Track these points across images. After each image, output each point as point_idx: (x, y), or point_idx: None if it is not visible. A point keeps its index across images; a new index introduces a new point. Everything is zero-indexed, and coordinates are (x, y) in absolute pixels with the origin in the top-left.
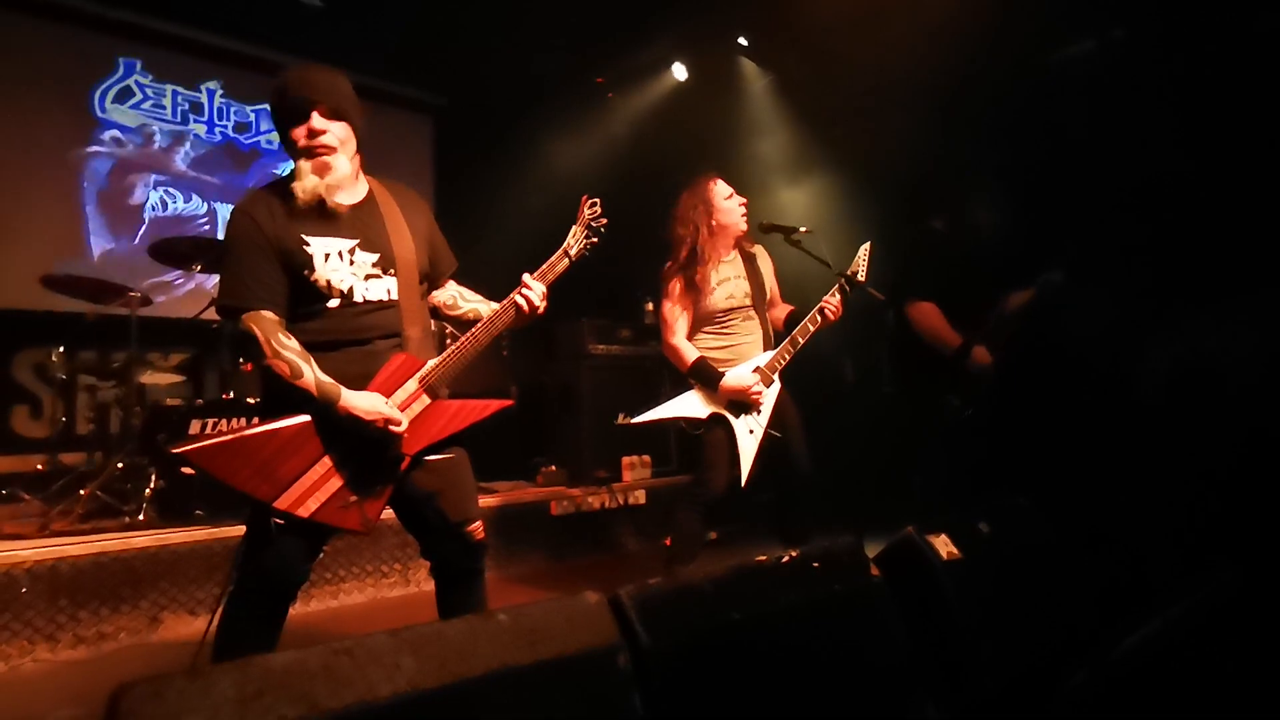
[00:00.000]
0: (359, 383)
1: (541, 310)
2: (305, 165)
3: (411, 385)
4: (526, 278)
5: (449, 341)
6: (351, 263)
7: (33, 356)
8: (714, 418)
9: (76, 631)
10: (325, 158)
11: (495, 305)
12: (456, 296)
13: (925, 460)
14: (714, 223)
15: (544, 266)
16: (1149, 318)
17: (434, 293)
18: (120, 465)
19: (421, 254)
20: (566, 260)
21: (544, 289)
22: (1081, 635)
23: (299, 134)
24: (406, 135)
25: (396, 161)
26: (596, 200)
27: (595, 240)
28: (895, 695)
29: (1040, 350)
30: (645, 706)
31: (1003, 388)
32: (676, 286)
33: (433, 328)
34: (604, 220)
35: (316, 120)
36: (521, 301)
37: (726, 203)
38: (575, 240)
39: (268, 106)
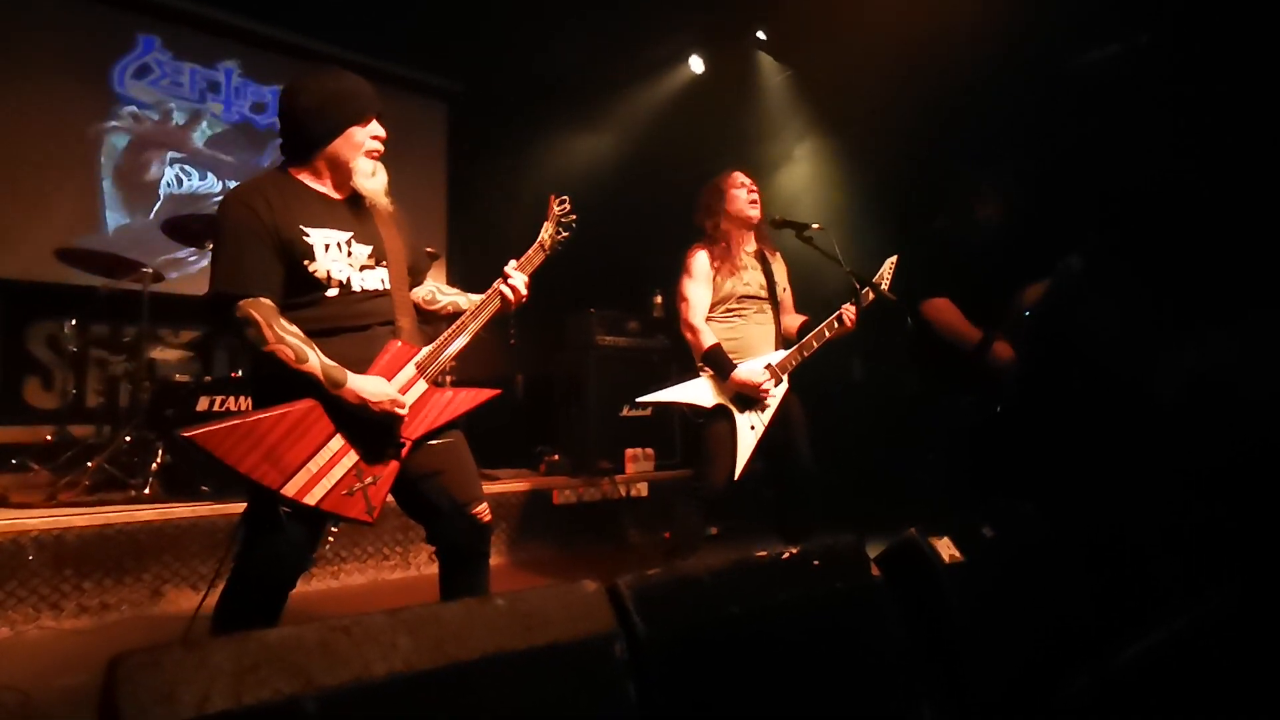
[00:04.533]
0: (359, 367)
1: (525, 297)
2: (367, 164)
3: (410, 370)
4: (509, 267)
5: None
6: (349, 254)
7: (46, 329)
8: (718, 409)
9: (80, 601)
10: (378, 160)
11: (474, 296)
12: (434, 291)
13: (938, 461)
14: (726, 209)
15: (522, 259)
16: (1164, 326)
17: (412, 290)
18: (128, 439)
19: (408, 249)
20: (542, 253)
21: (526, 278)
22: (1082, 640)
23: (361, 135)
24: (420, 121)
25: (410, 147)
26: (565, 197)
27: (566, 235)
28: (892, 695)
29: (1056, 354)
30: (640, 696)
31: (1020, 390)
32: (700, 264)
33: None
34: (573, 216)
35: (377, 126)
36: (506, 291)
37: (736, 190)
38: (548, 235)
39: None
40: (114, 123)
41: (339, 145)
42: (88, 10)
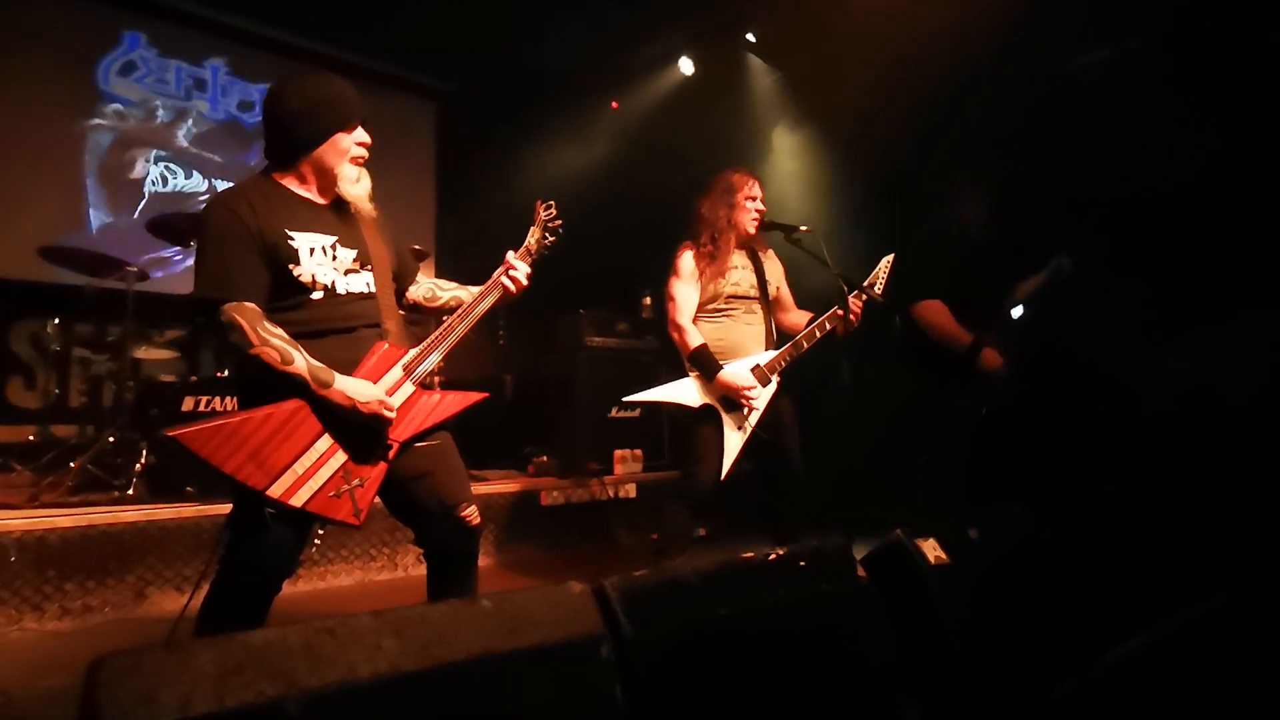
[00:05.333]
0: (345, 370)
1: (526, 285)
2: (351, 170)
3: (397, 373)
4: (511, 256)
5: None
6: (334, 258)
7: (29, 327)
8: (705, 409)
9: (63, 603)
10: (361, 166)
11: (474, 289)
12: (433, 288)
13: (929, 463)
14: (729, 214)
15: (508, 261)
16: (1156, 327)
17: (410, 290)
18: (111, 439)
19: (392, 254)
20: (529, 258)
21: (529, 269)
22: (1070, 643)
23: (346, 141)
24: (410, 120)
25: (399, 146)
26: (551, 203)
27: (552, 240)
28: (878, 697)
29: (1048, 355)
30: (627, 697)
31: (1012, 392)
32: (686, 264)
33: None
34: (559, 221)
35: (363, 133)
36: (508, 282)
37: (746, 201)
38: (534, 240)
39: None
40: (98, 120)
41: (323, 151)
42: (71, 6)
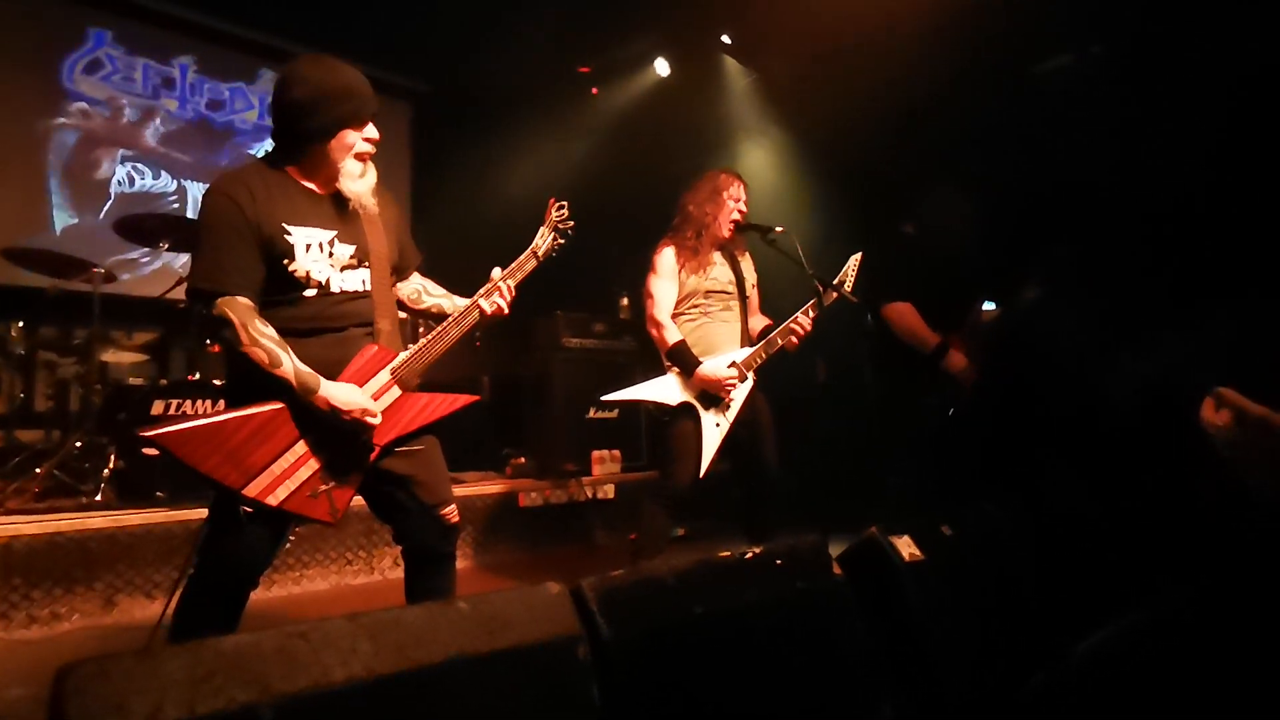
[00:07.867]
0: (333, 369)
1: (506, 314)
2: (355, 165)
3: (384, 376)
4: (497, 276)
5: (422, 332)
6: (330, 254)
7: None
8: (684, 407)
9: (30, 611)
10: (368, 162)
11: (459, 300)
12: (421, 290)
13: (902, 461)
14: (715, 212)
15: (513, 265)
16: (1120, 333)
17: (398, 285)
18: (79, 444)
19: (393, 248)
20: (534, 260)
21: (511, 296)
22: (1042, 639)
23: (353, 137)
24: (383, 121)
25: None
26: (564, 203)
27: (562, 241)
28: (854, 694)
29: (1014, 359)
30: (603, 698)
31: (981, 391)
32: (666, 261)
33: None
34: (570, 222)
35: (372, 129)
36: (486, 306)
37: (731, 202)
38: (543, 241)
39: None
40: (63, 119)
41: (330, 146)
42: (35, 2)
